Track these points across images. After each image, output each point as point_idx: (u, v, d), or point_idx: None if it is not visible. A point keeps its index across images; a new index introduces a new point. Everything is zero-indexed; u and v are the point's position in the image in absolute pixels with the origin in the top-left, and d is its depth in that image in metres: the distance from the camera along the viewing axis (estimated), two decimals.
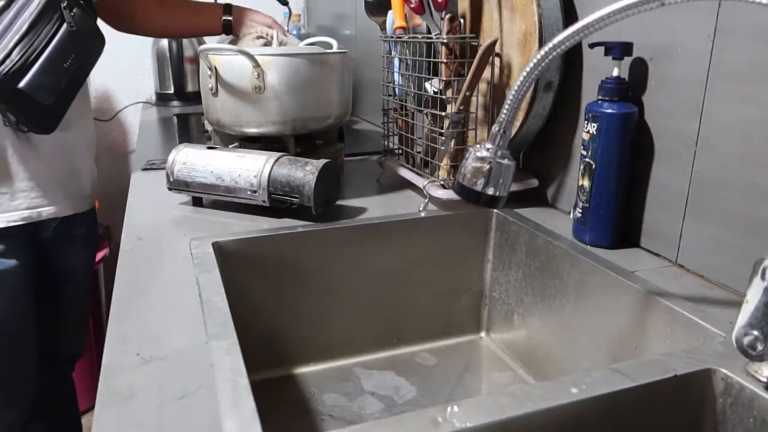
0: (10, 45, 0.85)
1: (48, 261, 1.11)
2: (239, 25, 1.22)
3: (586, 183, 0.72)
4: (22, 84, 0.86)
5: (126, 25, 1.24)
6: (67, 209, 1.07)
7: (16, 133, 0.97)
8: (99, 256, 1.73)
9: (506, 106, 0.54)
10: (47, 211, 1.04)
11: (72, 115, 1.02)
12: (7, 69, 0.85)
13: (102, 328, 1.77)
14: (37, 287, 1.10)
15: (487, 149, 0.56)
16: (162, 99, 2.02)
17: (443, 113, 0.86)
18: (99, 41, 0.98)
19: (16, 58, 0.85)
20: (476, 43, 0.84)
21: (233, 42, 1.27)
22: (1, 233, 0.99)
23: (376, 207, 0.89)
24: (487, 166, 0.56)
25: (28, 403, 1.12)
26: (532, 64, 0.51)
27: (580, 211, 0.74)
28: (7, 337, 1.04)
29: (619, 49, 0.69)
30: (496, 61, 0.85)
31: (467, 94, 0.81)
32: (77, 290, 1.21)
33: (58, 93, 0.91)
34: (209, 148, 0.90)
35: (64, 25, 0.90)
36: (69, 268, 1.16)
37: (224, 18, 1.22)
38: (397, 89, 0.99)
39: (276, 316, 0.79)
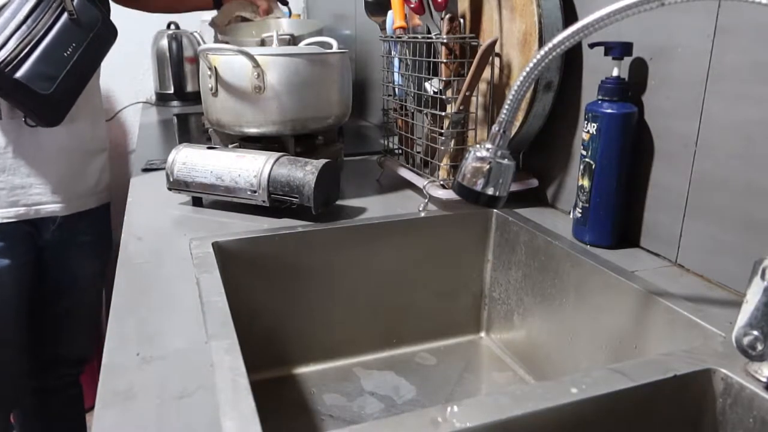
0: (7, 34, 0.84)
1: (50, 265, 1.09)
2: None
3: (585, 183, 0.72)
4: (18, 74, 0.85)
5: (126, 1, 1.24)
6: (67, 209, 1.05)
7: (21, 128, 0.96)
8: None
9: (506, 106, 0.54)
10: (46, 209, 1.02)
11: (80, 113, 1.01)
12: (2, 59, 0.84)
13: (102, 328, 1.77)
14: (37, 291, 1.09)
15: (487, 149, 0.56)
16: (162, 99, 2.02)
17: (443, 113, 0.86)
18: (108, 32, 0.96)
19: (12, 48, 0.84)
20: (476, 43, 0.84)
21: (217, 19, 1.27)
22: None
23: (376, 207, 0.89)
24: (487, 166, 0.56)
25: (9, 407, 1.09)
26: (532, 64, 0.51)
27: (580, 211, 0.74)
28: None
29: (619, 49, 0.69)
30: (496, 61, 0.85)
31: (467, 94, 0.81)
32: (84, 296, 1.18)
33: (57, 82, 0.89)
34: (209, 148, 0.90)
35: (65, 14, 0.89)
36: (74, 273, 1.14)
37: None
38: (397, 89, 0.99)
39: (276, 316, 0.79)
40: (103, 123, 1.15)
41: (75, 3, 0.89)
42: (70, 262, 1.13)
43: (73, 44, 0.90)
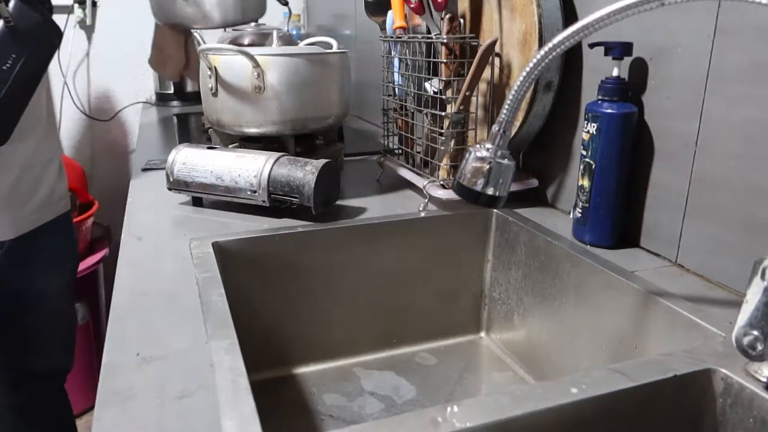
0: None
1: (5, 286, 1.01)
2: None
3: (585, 183, 0.72)
4: None
5: None
6: (17, 230, 0.97)
7: None
8: (99, 256, 1.73)
9: (506, 106, 0.54)
10: None
11: (28, 126, 0.92)
12: None
13: (102, 328, 1.77)
14: None
15: (487, 149, 0.56)
16: (162, 99, 2.02)
17: (443, 113, 0.86)
18: (52, 34, 0.86)
19: None
20: (476, 43, 0.84)
21: None
22: None
23: (375, 207, 0.89)
24: (487, 166, 0.56)
25: None
26: (532, 64, 0.51)
27: (580, 211, 0.74)
28: None
29: (619, 49, 0.69)
30: (496, 61, 0.85)
31: (467, 94, 0.81)
32: (51, 311, 1.11)
33: None
34: (209, 148, 0.90)
35: (0, 22, 0.79)
36: (36, 291, 1.06)
37: None
38: (397, 89, 0.99)
39: (276, 316, 0.79)
40: (54, 130, 1.07)
41: (11, 7, 0.79)
42: (30, 279, 1.05)
43: (13, 55, 0.80)
